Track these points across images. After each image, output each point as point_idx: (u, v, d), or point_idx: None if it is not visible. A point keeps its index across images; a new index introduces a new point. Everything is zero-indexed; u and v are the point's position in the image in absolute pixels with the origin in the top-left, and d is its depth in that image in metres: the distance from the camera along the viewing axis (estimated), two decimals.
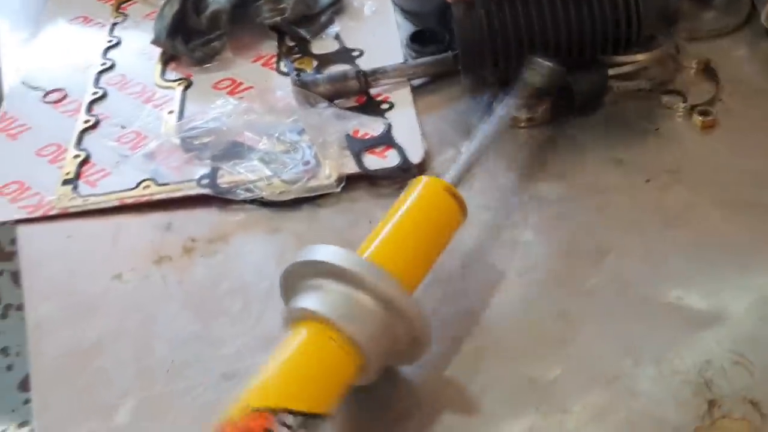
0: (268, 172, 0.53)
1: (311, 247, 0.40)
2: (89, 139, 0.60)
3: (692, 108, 0.56)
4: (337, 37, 0.67)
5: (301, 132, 0.56)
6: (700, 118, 0.56)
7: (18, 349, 1.15)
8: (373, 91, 0.61)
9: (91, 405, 0.42)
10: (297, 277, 0.40)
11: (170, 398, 0.42)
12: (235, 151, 0.55)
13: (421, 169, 0.54)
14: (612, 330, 0.44)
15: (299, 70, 0.62)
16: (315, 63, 0.64)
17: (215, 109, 0.58)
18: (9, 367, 1.17)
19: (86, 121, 0.61)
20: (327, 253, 0.40)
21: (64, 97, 0.64)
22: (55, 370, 0.44)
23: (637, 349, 0.42)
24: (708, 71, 0.60)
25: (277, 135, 0.56)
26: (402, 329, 0.39)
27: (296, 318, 0.39)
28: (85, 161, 0.57)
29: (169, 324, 0.46)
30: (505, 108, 0.52)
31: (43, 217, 0.53)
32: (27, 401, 1.16)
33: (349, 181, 0.54)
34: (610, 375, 0.41)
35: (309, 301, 0.39)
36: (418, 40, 0.65)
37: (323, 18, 0.69)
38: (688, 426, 0.39)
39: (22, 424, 1.14)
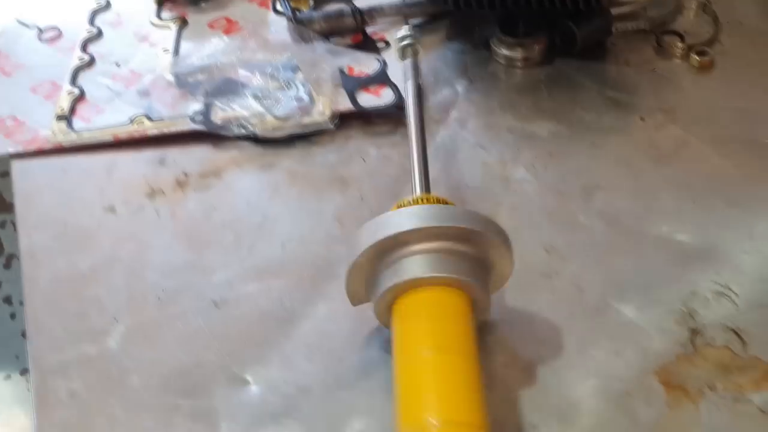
0: (261, 109, 0.53)
1: (366, 231, 0.38)
2: (84, 77, 0.59)
3: (690, 48, 0.56)
4: None
5: (295, 69, 0.56)
6: (697, 58, 0.55)
7: (21, 298, 1.16)
8: (369, 30, 0.60)
9: (82, 330, 0.43)
10: (374, 262, 0.38)
11: (160, 324, 0.43)
12: (228, 87, 0.55)
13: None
14: (598, 263, 0.44)
15: (295, 9, 0.61)
16: (311, 2, 0.63)
17: (209, 47, 0.58)
18: (12, 316, 1.19)
19: (81, 59, 0.61)
20: (391, 224, 0.37)
21: (59, 35, 0.64)
22: (47, 297, 0.45)
23: (623, 281, 0.43)
24: (707, 12, 0.59)
25: (270, 72, 0.55)
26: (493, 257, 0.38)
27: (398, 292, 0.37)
28: (80, 98, 0.57)
29: (161, 253, 0.47)
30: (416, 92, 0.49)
31: (37, 152, 0.53)
32: None
33: (343, 119, 0.54)
34: (595, 306, 0.42)
35: (415, 270, 0.36)
36: None
37: None
38: (670, 353, 0.39)
39: (24, 371, 1.16)
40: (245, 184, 0.51)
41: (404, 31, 0.52)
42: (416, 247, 0.37)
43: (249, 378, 0.40)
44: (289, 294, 0.44)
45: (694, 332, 0.40)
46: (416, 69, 0.51)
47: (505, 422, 0.37)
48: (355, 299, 0.40)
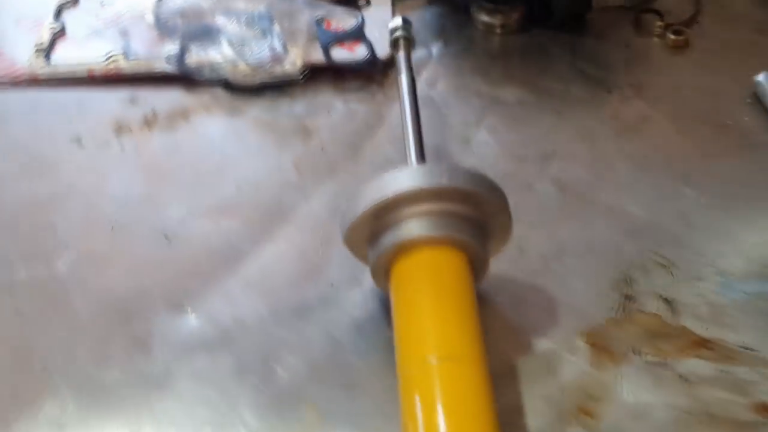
0: (235, 56, 0.54)
1: (361, 195, 0.36)
2: (67, 14, 0.60)
3: (667, 27, 0.56)
4: None
5: (272, 19, 0.56)
6: (672, 36, 0.55)
7: None
8: None
9: (35, 253, 0.44)
10: (370, 224, 0.37)
11: (110, 253, 0.44)
12: (205, 32, 0.56)
13: (389, 64, 0.55)
14: (545, 226, 0.45)
15: None
16: None
17: None
18: None
19: None
20: (391, 185, 0.36)
21: None
22: (5, 220, 0.46)
23: (565, 245, 0.43)
24: None
25: (247, 20, 0.56)
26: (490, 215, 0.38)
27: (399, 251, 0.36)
28: (61, 33, 0.58)
29: (119, 187, 0.48)
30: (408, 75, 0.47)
31: (12, 82, 0.54)
32: None
33: (315, 73, 0.54)
34: (535, 266, 0.43)
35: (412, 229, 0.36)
36: None
37: None
38: (600, 316, 0.40)
39: None
40: (211, 128, 0.52)
41: (396, 22, 0.50)
42: (415, 208, 0.36)
43: (188, 309, 0.41)
44: (238, 234, 0.45)
45: (628, 298, 0.41)
46: (410, 62, 0.48)
47: None
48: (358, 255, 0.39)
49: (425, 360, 0.33)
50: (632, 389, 0.37)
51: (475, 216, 0.37)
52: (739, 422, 0.36)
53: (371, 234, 0.37)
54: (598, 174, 0.47)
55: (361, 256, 0.39)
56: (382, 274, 0.38)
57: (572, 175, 0.47)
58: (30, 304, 0.41)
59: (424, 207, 0.36)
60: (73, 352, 0.39)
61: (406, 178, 0.36)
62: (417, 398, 0.32)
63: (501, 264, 0.42)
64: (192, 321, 0.41)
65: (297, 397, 0.37)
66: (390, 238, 0.36)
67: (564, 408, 0.36)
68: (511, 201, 0.46)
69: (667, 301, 0.40)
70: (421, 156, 0.42)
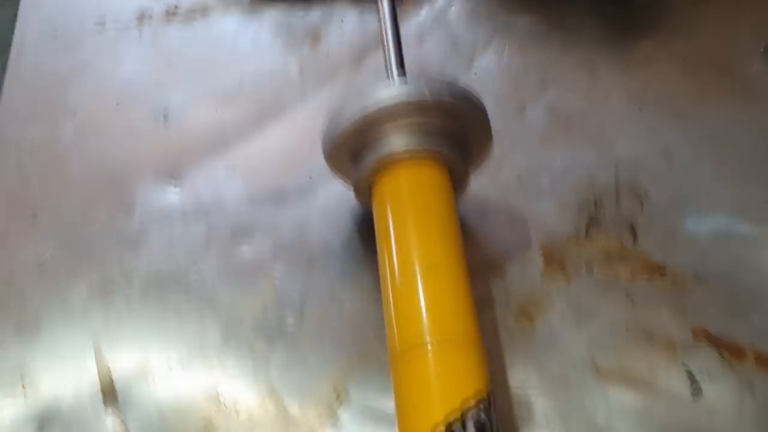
0: None
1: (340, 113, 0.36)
2: None
3: None
4: None
5: None
6: None
7: None
8: None
9: (44, 116, 0.47)
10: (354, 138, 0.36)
11: (112, 124, 0.47)
12: None
13: None
14: (528, 148, 0.45)
15: None
16: None
17: None
18: None
19: None
20: (372, 99, 0.35)
21: None
22: (24, 86, 0.49)
23: (543, 167, 0.44)
24: None
25: None
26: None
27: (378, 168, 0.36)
28: None
29: (131, 69, 0.50)
30: None
31: None
32: None
33: None
34: (510, 184, 0.43)
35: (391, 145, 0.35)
36: None
37: None
38: (562, 234, 0.41)
39: None
40: (226, 25, 0.54)
41: None
42: (394, 123, 0.36)
43: (173, 182, 0.43)
44: (233, 123, 0.47)
45: (593, 220, 0.41)
46: None
47: None
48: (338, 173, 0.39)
49: (409, 270, 0.33)
50: (576, 302, 0.38)
51: (455, 129, 0.37)
52: (675, 343, 0.36)
53: (353, 152, 0.37)
54: (592, 105, 0.47)
55: (345, 177, 0.39)
56: (365, 190, 0.38)
57: (566, 103, 0.47)
58: (32, 159, 0.45)
59: (403, 121, 0.36)
60: (62, 207, 0.42)
61: (385, 92, 0.35)
62: (402, 305, 0.32)
63: (476, 178, 0.43)
64: (174, 193, 0.43)
65: (258, 271, 0.40)
66: (371, 155, 0.36)
67: (506, 309, 0.38)
68: (501, 122, 0.47)
69: (632, 228, 0.41)
70: (401, 69, 0.40)
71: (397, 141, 0.35)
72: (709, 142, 0.45)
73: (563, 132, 0.46)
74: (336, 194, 0.43)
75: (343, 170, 0.39)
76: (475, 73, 0.50)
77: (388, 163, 0.36)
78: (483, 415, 0.28)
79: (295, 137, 0.46)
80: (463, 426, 0.28)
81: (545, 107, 0.47)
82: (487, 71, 0.50)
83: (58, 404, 0.35)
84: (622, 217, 0.41)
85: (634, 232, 0.40)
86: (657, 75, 0.49)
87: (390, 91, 0.35)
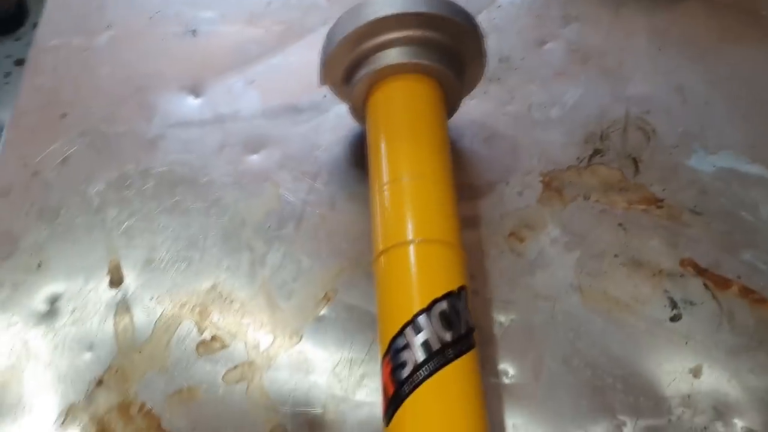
0: None
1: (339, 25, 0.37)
2: None
3: None
4: None
5: None
6: None
7: None
8: None
9: (82, 27, 0.49)
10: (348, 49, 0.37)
11: (144, 37, 0.49)
12: None
13: None
14: (542, 80, 0.45)
15: None
16: None
17: None
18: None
19: None
20: (368, 12, 0.36)
21: None
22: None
23: (554, 98, 0.44)
24: None
25: None
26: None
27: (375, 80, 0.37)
28: None
29: None
30: None
31: None
32: None
33: None
34: (519, 113, 0.44)
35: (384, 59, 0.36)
36: None
37: None
38: (564, 163, 0.41)
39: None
40: None
41: None
42: (391, 35, 0.37)
43: (194, 93, 0.45)
44: (257, 41, 0.48)
45: (597, 152, 0.41)
46: None
47: None
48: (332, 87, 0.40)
49: (398, 177, 0.34)
50: (568, 226, 0.38)
51: (448, 46, 0.37)
52: (661, 271, 0.36)
53: (348, 69, 0.38)
54: (612, 42, 0.47)
55: (342, 95, 0.40)
56: (360, 107, 0.39)
57: (586, 39, 0.47)
58: (67, 65, 0.47)
59: (396, 35, 0.36)
60: (89, 109, 0.45)
61: (382, 5, 0.36)
62: (389, 207, 0.34)
63: (486, 105, 0.44)
64: (194, 102, 0.45)
65: (264, 177, 0.41)
66: (365, 69, 0.37)
67: (497, 228, 0.38)
68: (519, 55, 0.47)
69: (635, 161, 0.41)
70: None
71: (390, 54, 0.36)
72: (724, 83, 0.44)
73: (579, 67, 0.46)
74: (347, 114, 0.44)
75: (341, 91, 0.40)
76: (500, 6, 0.50)
77: (381, 77, 0.37)
78: (447, 307, 0.29)
79: (315, 59, 0.47)
80: (429, 316, 0.29)
81: (565, 41, 0.47)
82: (512, 4, 0.50)
83: (69, 283, 0.38)
84: (627, 150, 0.41)
85: (636, 165, 0.41)
86: (682, 17, 0.48)
87: (383, 3, 0.36)
